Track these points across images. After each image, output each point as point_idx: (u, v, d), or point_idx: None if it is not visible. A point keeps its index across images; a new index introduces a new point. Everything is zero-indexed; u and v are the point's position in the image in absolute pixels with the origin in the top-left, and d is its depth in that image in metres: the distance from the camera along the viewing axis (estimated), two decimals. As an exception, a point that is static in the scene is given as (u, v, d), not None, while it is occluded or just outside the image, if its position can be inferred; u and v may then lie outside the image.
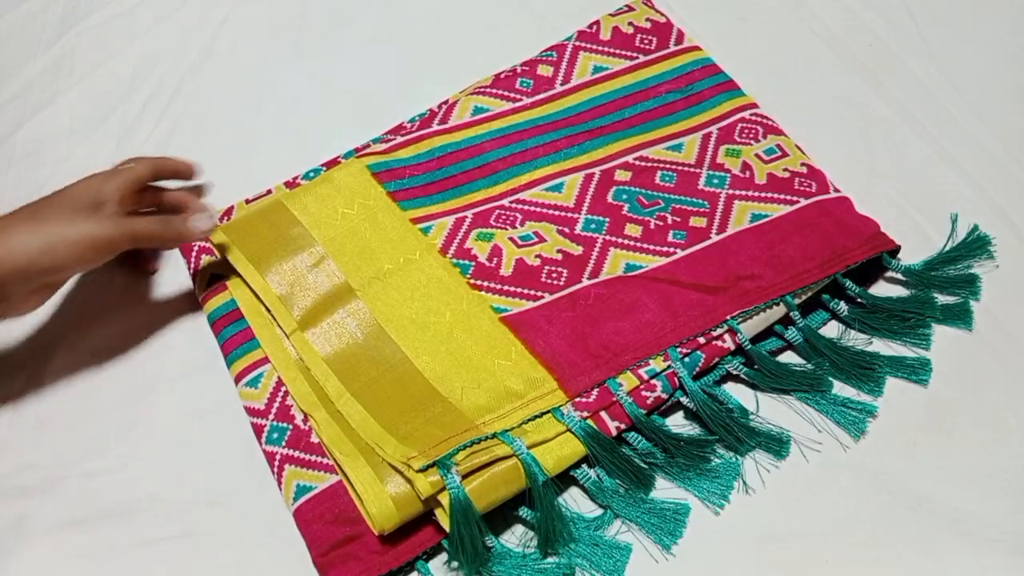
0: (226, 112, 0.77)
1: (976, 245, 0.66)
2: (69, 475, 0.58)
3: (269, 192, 0.69)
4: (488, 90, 0.73)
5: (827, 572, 0.54)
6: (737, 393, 0.60)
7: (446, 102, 0.73)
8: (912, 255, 0.66)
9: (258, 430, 0.58)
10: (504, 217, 0.67)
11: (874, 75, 0.78)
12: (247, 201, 0.69)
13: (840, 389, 0.60)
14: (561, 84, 0.74)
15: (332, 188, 0.67)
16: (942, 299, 0.64)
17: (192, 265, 0.66)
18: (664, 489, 0.57)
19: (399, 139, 0.70)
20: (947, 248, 0.66)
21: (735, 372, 0.60)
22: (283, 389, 0.59)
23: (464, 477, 0.52)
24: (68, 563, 0.55)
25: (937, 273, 0.64)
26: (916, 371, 0.60)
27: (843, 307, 0.62)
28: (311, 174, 0.70)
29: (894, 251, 0.64)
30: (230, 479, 0.58)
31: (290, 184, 0.69)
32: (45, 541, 0.56)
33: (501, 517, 0.55)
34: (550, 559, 0.53)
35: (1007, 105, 0.75)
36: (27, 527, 0.56)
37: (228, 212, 0.68)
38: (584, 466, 0.56)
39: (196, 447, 0.60)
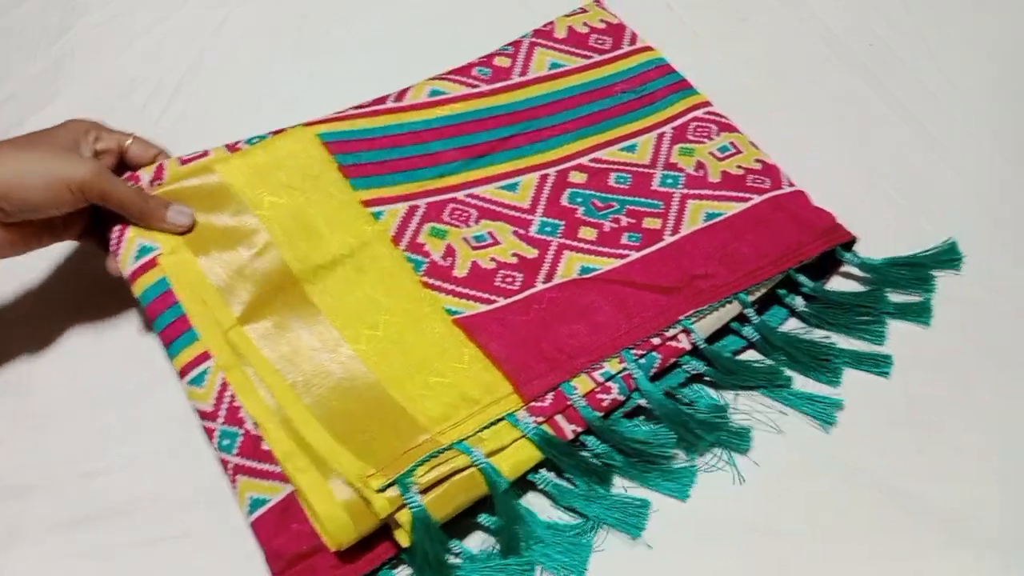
0: (226, 112, 0.77)
1: (945, 257, 0.65)
2: (69, 475, 0.58)
3: (206, 153, 0.64)
4: (445, 76, 0.73)
5: (823, 571, 0.54)
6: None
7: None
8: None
9: (209, 434, 0.56)
10: (458, 213, 0.66)
11: (874, 75, 0.78)
12: (181, 161, 0.63)
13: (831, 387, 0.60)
14: (519, 75, 0.74)
15: (278, 157, 0.64)
16: (905, 297, 0.64)
17: (116, 236, 0.60)
18: (632, 486, 0.57)
19: (352, 110, 0.69)
20: (917, 252, 0.66)
21: (693, 372, 0.60)
22: (230, 389, 0.56)
23: (422, 491, 0.51)
24: (68, 563, 0.55)
25: (893, 269, 0.64)
26: (878, 363, 0.61)
27: (799, 302, 0.63)
28: (255, 139, 0.65)
29: (851, 242, 0.64)
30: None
31: (231, 147, 0.65)
32: (44, 541, 0.56)
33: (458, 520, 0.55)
34: (510, 558, 0.53)
35: (1007, 105, 0.75)
36: (26, 527, 0.56)
37: (159, 173, 0.62)
38: (543, 471, 0.56)
39: (196, 447, 0.59)
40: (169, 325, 0.58)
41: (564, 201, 0.67)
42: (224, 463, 0.55)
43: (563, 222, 0.66)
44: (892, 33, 0.80)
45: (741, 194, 0.66)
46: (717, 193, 0.66)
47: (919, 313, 0.63)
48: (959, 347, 0.62)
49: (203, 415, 0.56)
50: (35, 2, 0.84)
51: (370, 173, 0.66)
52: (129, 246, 0.59)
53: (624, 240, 0.65)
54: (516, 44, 0.76)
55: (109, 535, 0.56)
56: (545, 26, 0.77)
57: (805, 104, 0.76)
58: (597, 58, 0.75)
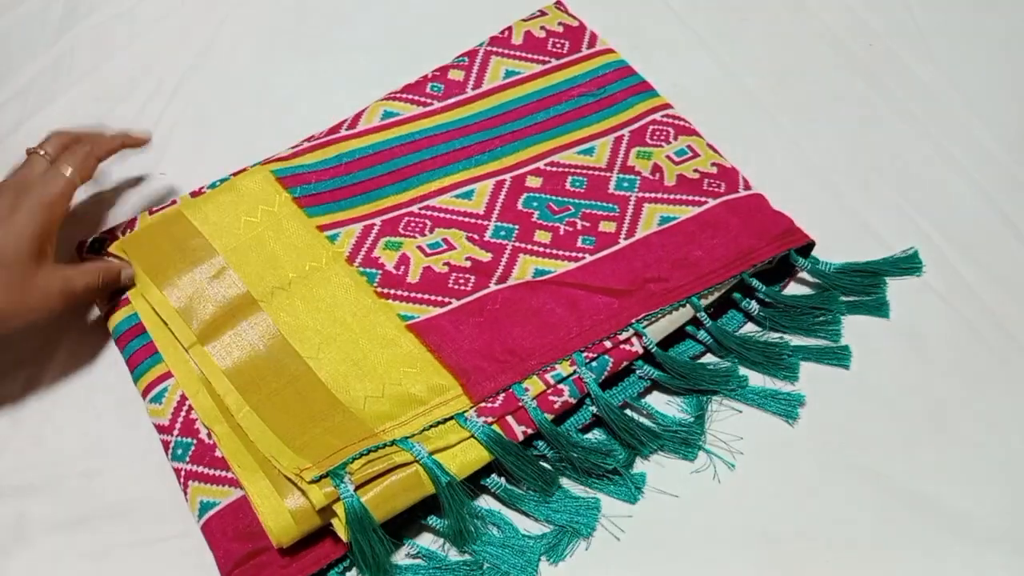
0: (226, 112, 0.77)
1: (906, 264, 0.65)
2: (69, 475, 0.58)
3: (174, 203, 0.68)
4: (398, 95, 0.73)
5: (827, 572, 0.54)
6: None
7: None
8: (912, 255, 0.66)
9: (165, 446, 0.57)
10: (413, 225, 0.66)
11: (874, 75, 0.78)
12: (150, 212, 0.67)
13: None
14: (472, 89, 0.74)
15: (235, 196, 0.66)
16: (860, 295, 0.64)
17: None
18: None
19: (305, 144, 0.70)
20: (875, 259, 0.65)
21: (647, 377, 0.59)
22: (187, 403, 0.58)
23: (362, 486, 0.51)
24: (68, 563, 0.55)
25: (845, 275, 0.64)
26: (837, 356, 0.61)
27: (754, 306, 0.63)
28: (217, 183, 0.68)
29: (810, 246, 0.64)
30: (230, 479, 0.58)
31: (195, 194, 0.68)
32: (45, 541, 0.56)
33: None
34: (459, 558, 0.54)
35: (1007, 105, 0.75)
36: (27, 527, 0.56)
37: (131, 224, 0.66)
38: (494, 475, 0.56)
39: (196, 447, 0.59)
40: (136, 351, 0.61)
41: (520, 205, 0.67)
42: (177, 472, 0.56)
43: (518, 226, 0.66)
44: (892, 33, 0.80)
45: (696, 198, 0.66)
46: (672, 197, 0.67)
47: (876, 308, 0.63)
48: (965, 345, 0.62)
49: (160, 429, 0.58)
50: (35, 2, 0.84)
51: (324, 201, 0.67)
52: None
53: (579, 243, 0.65)
54: (471, 54, 0.76)
55: (109, 535, 0.56)
56: (502, 32, 0.77)
57: (805, 104, 0.76)
58: (554, 63, 0.75)
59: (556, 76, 0.75)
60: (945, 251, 0.67)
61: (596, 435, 0.59)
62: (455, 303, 0.61)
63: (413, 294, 0.62)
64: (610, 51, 0.76)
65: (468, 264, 0.64)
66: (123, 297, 0.63)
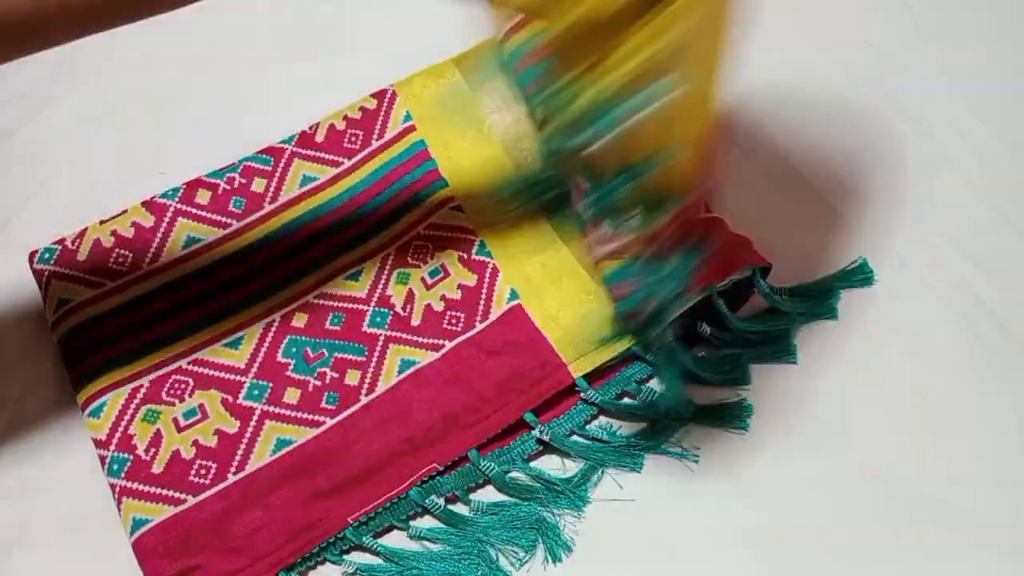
0: (226, 112, 0.77)
1: (858, 276, 0.65)
2: (69, 475, 0.58)
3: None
4: (205, 214, 0.66)
5: (827, 572, 0.54)
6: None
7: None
8: (912, 256, 0.66)
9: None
10: (177, 385, 0.59)
11: (874, 75, 0.78)
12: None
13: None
14: (269, 203, 0.66)
15: None
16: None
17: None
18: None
19: (109, 285, 0.62)
20: (825, 276, 0.65)
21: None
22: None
23: None
24: (68, 563, 0.55)
25: (799, 303, 0.62)
26: (785, 352, 0.61)
27: (706, 328, 0.58)
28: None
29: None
30: (230, 479, 0.58)
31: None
32: (45, 541, 0.56)
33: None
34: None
35: (1007, 105, 0.75)
36: (27, 527, 0.56)
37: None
38: (433, 496, 0.55)
39: (196, 447, 0.59)
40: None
41: (280, 355, 0.60)
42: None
43: (271, 384, 0.59)
44: (892, 33, 0.80)
45: (434, 341, 0.59)
46: (414, 338, 0.60)
47: (825, 312, 0.62)
48: (968, 346, 0.62)
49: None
50: (35, 2, 0.84)
51: (88, 369, 0.59)
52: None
53: (322, 403, 0.58)
54: (278, 154, 0.69)
55: (109, 535, 0.56)
56: (311, 127, 0.70)
57: (805, 105, 0.76)
58: (346, 164, 0.68)
59: (346, 181, 0.67)
60: (945, 251, 0.67)
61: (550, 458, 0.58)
62: (191, 500, 0.55)
63: (153, 490, 0.55)
64: (409, 131, 0.69)
65: (214, 442, 0.57)
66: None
